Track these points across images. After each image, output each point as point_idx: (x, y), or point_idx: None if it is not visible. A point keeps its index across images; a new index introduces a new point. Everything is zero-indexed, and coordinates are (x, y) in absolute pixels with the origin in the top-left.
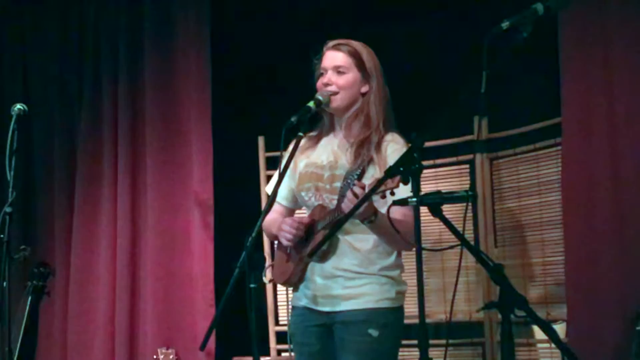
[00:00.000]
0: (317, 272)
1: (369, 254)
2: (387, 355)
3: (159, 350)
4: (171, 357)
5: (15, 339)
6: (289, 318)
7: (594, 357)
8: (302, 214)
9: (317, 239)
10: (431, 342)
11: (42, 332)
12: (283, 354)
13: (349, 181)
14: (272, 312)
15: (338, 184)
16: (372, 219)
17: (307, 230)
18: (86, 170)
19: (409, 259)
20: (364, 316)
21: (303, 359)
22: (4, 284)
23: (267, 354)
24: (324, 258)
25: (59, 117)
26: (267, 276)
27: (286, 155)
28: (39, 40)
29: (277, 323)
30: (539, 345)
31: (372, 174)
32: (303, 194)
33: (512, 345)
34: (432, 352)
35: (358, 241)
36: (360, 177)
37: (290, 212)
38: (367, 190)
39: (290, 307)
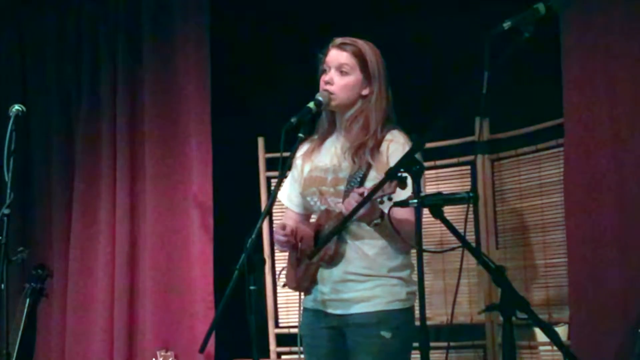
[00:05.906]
0: (326, 277)
1: (377, 257)
2: (399, 356)
3: (158, 352)
4: (170, 359)
5: (14, 341)
6: (300, 319)
7: None
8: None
9: (327, 247)
10: (432, 344)
11: (40, 334)
12: (283, 357)
13: (352, 184)
14: (272, 314)
15: (342, 187)
16: (377, 221)
17: (316, 236)
18: (85, 172)
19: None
20: (375, 318)
21: None
22: (2, 286)
23: (267, 356)
24: (331, 263)
25: (57, 117)
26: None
27: (288, 158)
28: (37, 40)
29: (277, 325)
30: (541, 347)
31: (375, 176)
32: (309, 199)
33: (514, 347)
34: (434, 355)
35: (367, 246)
36: (362, 179)
37: (305, 217)
38: (367, 192)
39: (301, 308)
